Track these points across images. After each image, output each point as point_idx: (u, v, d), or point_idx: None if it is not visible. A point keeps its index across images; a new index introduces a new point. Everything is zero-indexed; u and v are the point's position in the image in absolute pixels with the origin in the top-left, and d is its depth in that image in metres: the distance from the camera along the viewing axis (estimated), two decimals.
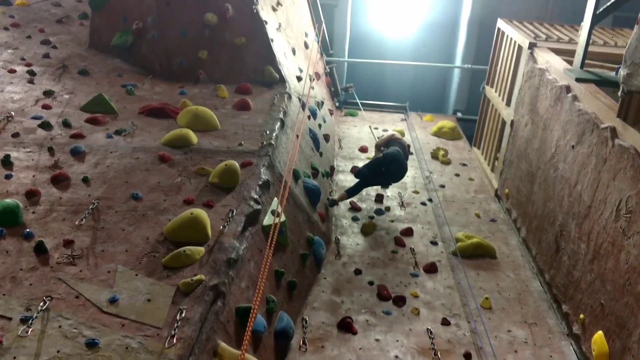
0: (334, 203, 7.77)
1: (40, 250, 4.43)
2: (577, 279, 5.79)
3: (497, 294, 6.44)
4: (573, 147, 6.27)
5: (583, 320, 5.51)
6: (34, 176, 5.24)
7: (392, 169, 7.61)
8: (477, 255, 7.14)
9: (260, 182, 5.73)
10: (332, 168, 9.09)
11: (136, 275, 4.42)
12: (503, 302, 6.31)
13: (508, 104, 9.24)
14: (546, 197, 6.93)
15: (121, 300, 4.18)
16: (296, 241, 6.30)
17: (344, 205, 8.20)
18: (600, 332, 5.14)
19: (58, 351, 3.71)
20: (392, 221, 7.94)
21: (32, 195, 5.01)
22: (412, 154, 9.51)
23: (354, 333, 5.66)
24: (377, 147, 8.28)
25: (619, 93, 5.27)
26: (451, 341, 5.59)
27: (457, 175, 9.58)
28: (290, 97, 8.07)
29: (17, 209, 4.80)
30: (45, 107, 6.90)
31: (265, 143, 6.40)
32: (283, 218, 5.81)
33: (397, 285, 6.48)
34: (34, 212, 4.84)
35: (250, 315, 3.97)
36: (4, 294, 4.05)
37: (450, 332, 5.76)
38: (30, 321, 3.84)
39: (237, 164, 5.69)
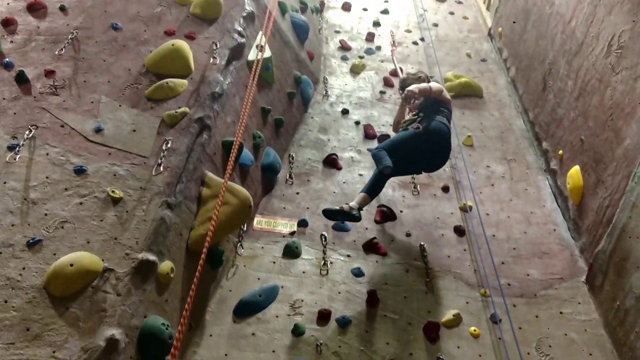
0: (354, 217, 4.53)
1: (22, 80, 4.37)
2: (560, 116, 5.86)
3: (480, 132, 6.53)
4: None
5: (561, 156, 5.66)
6: (8, 4, 5.02)
7: (434, 153, 4.82)
8: (464, 95, 7.13)
9: (245, 14, 5.53)
10: (322, 3, 8.68)
11: (120, 106, 4.42)
12: (485, 140, 6.43)
13: None
14: (539, 35, 6.78)
15: (106, 130, 4.22)
16: (283, 79, 6.24)
17: (333, 45, 8.00)
18: (576, 167, 5.31)
19: (47, 177, 3.83)
20: (382, 61, 7.80)
21: (8, 24, 4.83)
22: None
23: (339, 169, 5.82)
24: (407, 97, 4.72)
25: None
26: (431, 176, 5.77)
27: (452, 13, 9.25)
28: None
29: None
30: None
31: None
32: (269, 53, 5.70)
33: (383, 124, 6.53)
34: (12, 42, 4.70)
35: (234, 143, 4.03)
36: None
37: None
38: (17, 148, 3.90)
39: None
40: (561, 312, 4.50)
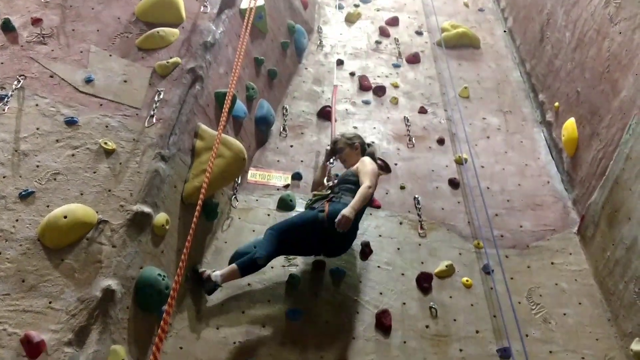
0: (208, 287, 3.87)
1: (8, 28, 4.26)
2: (557, 67, 5.80)
3: (476, 83, 6.47)
4: None
5: (557, 108, 5.63)
6: None
7: (334, 241, 4.04)
8: (461, 45, 7.02)
9: None
10: None
11: (110, 55, 4.33)
12: (481, 91, 6.37)
13: None
14: None
15: (97, 80, 4.14)
16: (276, 29, 6.11)
17: None
18: (572, 119, 5.29)
19: (37, 128, 3.77)
20: (378, 10, 7.63)
21: None
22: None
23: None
24: (340, 225, 3.82)
25: None
26: (427, 128, 5.75)
27: None
28: None
29: None
30: None
31: None
32: (262, 1, 5.56)
33: (379, 75, 6.45)
34: None
35: (227, 94, 3.98)
36: None
37: (426, 120, 5.90)
38: (6, 99, 3.83)
39: None
40: (552, 263, 4.56)
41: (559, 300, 4.30)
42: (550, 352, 3.95)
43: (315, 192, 4.41)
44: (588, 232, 4.64)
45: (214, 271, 3.85)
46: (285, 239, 3.97)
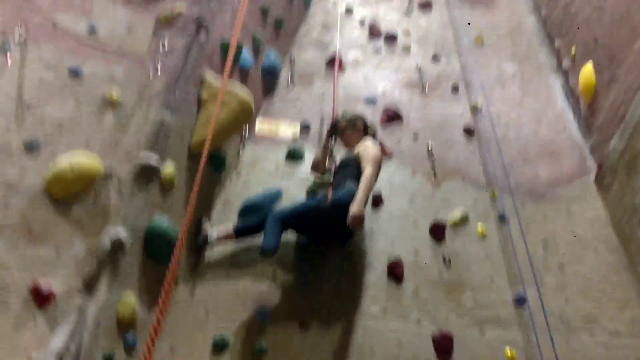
0: (201, 241, 3.89)
1: None
2: (574, 12, 5.58)
3: (490, 30, 6.27)
4: None
5: (574, 54, 5.44)
6: None
7: (339, 228, 3.83)
8: None
9: None
10: None
11: (113, 4, 4.20)
12: (496, 38, 6.18)
13: None
14: None
15: (100, 30, 4.02)
16: None
17: None
18: (589, 65, 5.10)
19: (41, 79, 3.67)
20: None
21: None
22: None
23: (343, 69, 5.63)
24: (354, 223, 3.60)
25: None
26: (440, 76, 5.59)
27: None
28: None
29: None
30: None
31: None
32: None
33: (390, 22, 6.26)
34: None
35: (233, 43, 3.87)
36: None
37: (439, 68, 5.75)
38: (8, 49, 3.73)
39: None
40: (569, 211, 4.46)
41: (575, 248, 4.21)
42: (566, 299, 3.89)
43: (315, 178, 4.21)
44: (605, 180, 4.53)
45: (213, 226, 3.79)
46: (289, 227, 3.82)
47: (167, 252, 3.42)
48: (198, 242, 3.77)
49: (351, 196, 3.66)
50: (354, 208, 3.54)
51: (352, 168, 3.92)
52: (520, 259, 4.02)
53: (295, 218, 3.82)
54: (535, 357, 3.55)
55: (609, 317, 3.80)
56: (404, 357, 3.54)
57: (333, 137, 4.42)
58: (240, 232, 3.82)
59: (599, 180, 4.62)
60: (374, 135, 4.32)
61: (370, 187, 3.77)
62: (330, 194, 3.79)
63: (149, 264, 3.41)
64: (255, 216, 3.85)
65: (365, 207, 3.69)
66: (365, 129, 4.32)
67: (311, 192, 4.14)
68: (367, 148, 3.99)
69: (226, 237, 3.81)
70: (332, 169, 4.28)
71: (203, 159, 3.23)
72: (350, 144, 4.25)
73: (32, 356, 2.71)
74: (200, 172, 3.12)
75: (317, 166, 4.43)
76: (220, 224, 4.02)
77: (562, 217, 4.43)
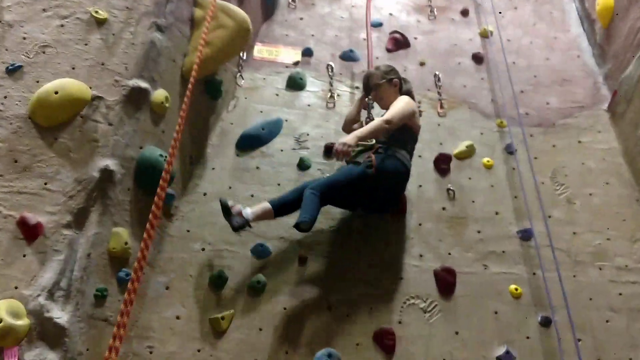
0: (241, 224, 3.29)
1: None
2: None
3: None
4: None
5: None
6: None
7: (381, 196, 3.58)
8: None
9: None
10: None
11: None
12: None
13: None
14: None
15: None
16: None
17: None
18: None
19: None
20: None
21: None
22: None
23: None
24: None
25: None
26: None
27: None
28: None
29: None
30: None
31: None
32: None
33: None
34: None
35: None
36: None
37: None
38: None
39: None
40: (579, 142, 4.29)
41: (584, 180, 4.07)
42: (574, 233, 3.78)
43: (358, 144, 3.46)
44: (619, 109, 4.32)
45: (245, 207, 3.34)
46: (328, 199, 3.41)
47: None
48: (235, 227, 3.27)
49: (399, 162, 3.41)
50: (345, 138, 3.24)
51: (396, 132, 3.49)
52: (527, 192, 3.88)
53: (336, 190, 3.39)
54: (541, 294, 3.48)
55: (618, 252, 3.71)
56: (405, 292, 3.47)
57: (367, 95, 3.87)
58: (279, 211, 3.39)
59: (612, 109, 4.42)
60: (410, 94, 3.77)
61: (376, 131, 3.34)
62: (374, 160, 3.38)
63: (141, 196, 3.27)
64: (291, 192, 3.47)
65: (403, 159, 3.42)
66: (401, 86, 3.77)
67: (352, 161, 3.51)
68: (400, 100, 3.52)
69: (264, 217, 3.37)
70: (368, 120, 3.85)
71: (191, 80, 3.02)
72: (385, 102, 3.66)
73: (22, 292, 2.61)
74: (189, 92, 2.90)
75: (348, 124, 3.92)
76: (217, 154, 3.87)
77: (572, 147, 4.26)
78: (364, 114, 4.03)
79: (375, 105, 3.92)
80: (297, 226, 3.17)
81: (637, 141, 4.03)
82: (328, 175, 3.74)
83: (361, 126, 3.74)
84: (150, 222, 2.39)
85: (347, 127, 3.91)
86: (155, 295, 3.25)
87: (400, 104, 3.47)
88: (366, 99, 3.93)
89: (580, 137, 4.33)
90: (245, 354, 3.14)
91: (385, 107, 3.62)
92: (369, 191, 3.44)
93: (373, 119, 3.63)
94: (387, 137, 3.50)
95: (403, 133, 3.51)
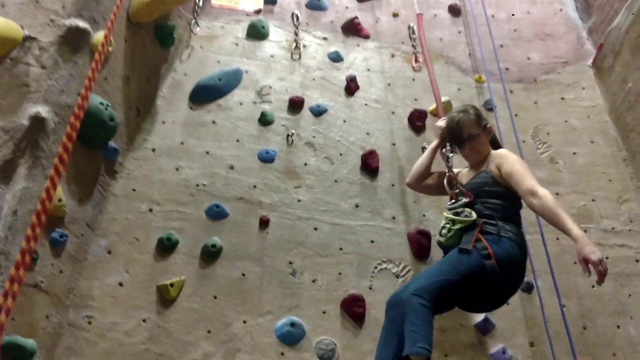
0: None
1: None
2: None
3: None
4: None
5: None
6: None
7: (499, 291, 2.58)
8: None
9: None
10: None
11: None
12: None
13: None
14: None
15: None
16: None
17: None
18: None
19: None
20: None
21: None
22: None
23: None
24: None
25: None
26: None
27: None
28: None
29: None
30: None
31: None
32: None
33: None
34: None
35: None
36: None
37: None
38: None
39: None
40: (562, 98, 4.03)
41: (568, 138, 3.82)
42: (557, 193, 3.53)
43: (447, 210, 2.74)
44: (606, 63, 4.06)
45: None
46: (438, 307, 2.42)
47: (101, 136, 2.94)
48: None
49: (517, 246, 2.51)
50: (593, 254, 2.17)
51: (495, 197, 2.61)
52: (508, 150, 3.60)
53: (451, 292, 2.41)
54: None
55: (604, 213, 3.49)
56: (376, 256, 3.18)
57: (447, 147, 2.94)
58: None
59: (597, 64, 4.16)
60: (495, 140, 2.96)
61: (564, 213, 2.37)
62: (489, 248, 2.44)
63: (79, 149, 2.89)
64: (388, 327, 2.46)
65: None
66: (484, 125, 2.82)
67: (448, 240, 2.63)
68: (507, 158, 2.64)
69: None
70: (455, 192, 2.76)
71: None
72: (479, 158, 2.79)
73: None
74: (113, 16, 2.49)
75: (418, 177, 3.02)
76: (169, 106, 3.50)
77: (555, 105, 4.01)
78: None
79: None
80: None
81: (625, 96, 3.79)
82: (423, 270, 2.96)
83: (440, 180, 2.89)
84: (56, 168, 2.01)
85: (417, 183, 3.03)
86: (95, 260, 2.90)
87: (522, 168, 2.58)
88: (443, 150, 2.95)
89: (563, 93, 4.06)
90: (197, 324, 2.83)
91: (477, 162, 2.78)
92: (486, 289, 2.49)
93: (453, 173, 2.82)
94: (489, 206, 2.60)
95: (503, 197, 2.61)
